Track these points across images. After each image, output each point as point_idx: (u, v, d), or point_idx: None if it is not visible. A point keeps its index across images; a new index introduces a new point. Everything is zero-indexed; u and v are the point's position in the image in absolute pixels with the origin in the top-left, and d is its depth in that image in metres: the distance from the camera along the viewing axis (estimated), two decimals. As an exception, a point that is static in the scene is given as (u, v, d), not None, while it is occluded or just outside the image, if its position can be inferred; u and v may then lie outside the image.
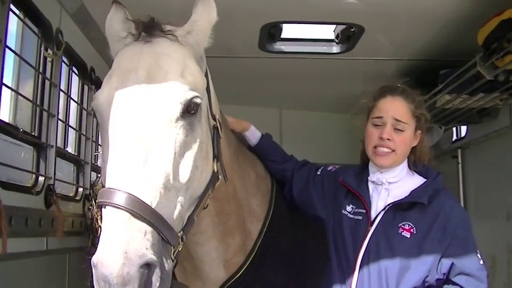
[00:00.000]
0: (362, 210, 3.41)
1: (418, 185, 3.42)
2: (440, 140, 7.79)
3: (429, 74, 6.14)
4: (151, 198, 2.31)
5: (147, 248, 2.20)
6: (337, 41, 6.00)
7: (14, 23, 4.40)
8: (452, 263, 3.19)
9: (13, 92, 4.48)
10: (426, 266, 3.19)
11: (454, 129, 8.06)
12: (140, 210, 2.24)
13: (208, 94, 2.95)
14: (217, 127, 3.01)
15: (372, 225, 3.33)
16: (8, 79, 4.40)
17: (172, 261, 2.45)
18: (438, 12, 5.04)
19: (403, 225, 3.28)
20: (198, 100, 2.61)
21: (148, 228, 2.25)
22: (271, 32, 5.65)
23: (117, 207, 2.23)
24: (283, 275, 3.77)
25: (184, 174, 2.54)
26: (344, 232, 3.42)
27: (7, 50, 4.06)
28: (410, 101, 3.46)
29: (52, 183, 4.74)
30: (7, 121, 4.39)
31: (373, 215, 3.37)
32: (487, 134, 6.83)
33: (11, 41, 4.31)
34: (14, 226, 3.93)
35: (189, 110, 2.58)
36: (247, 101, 7.80)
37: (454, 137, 8.16)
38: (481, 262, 3.26)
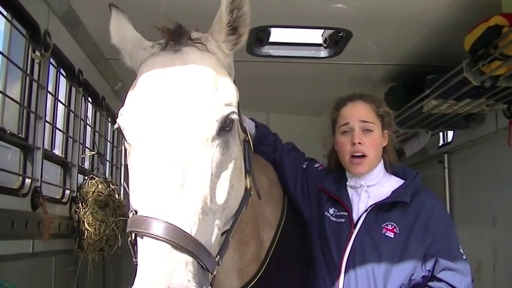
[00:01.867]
0: (344, 213, 3.45)
1: (398, 186, 3.46)
2: (426, 145, 7.85)
3: (416, 79, 6.17)
4: (191, 226, 2.17)
5: (189, 280, 2.08)
6: (325, 45, 6.03)
7: (1, 24, 4.38)
8: (436, 259, 3.24)
9: (0, 94, 4.45)
10: (411, 264, 3.23)
11: (441, 134, 8.12)
12: (181, 241, 2.10)
13: (239, 104, 2.75)
14: (248, 140, 2.90)
15: (355, 227, 3.37)
16: (-5, 81, 4.39)
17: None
18: (426, 18, 5.08)
19: (386, 225, 3.32)
20: (234, 116, 2.47)
21: (189, 259, 2.12)
22: (259, 36, 5.66)
23: (157, 238, 2.09)
24: (296, 283, 3.67)
25: (221, 196, 2.42)
26: (327, 234, 3.45)
27: (-6, 51, 4.05)
28: (370, 102, 3.55)
29: (39, 185, 4.71)
30: (-4, 124, 4.37)
31: (355, 217, 3.41)
32: (474, 140, 6.88)
33: (-2, 42, 4.30)
34: (0, 228, 3.91)
35: (225, 127, 2.43)
36: (235, 105, 7.74)
37: (441, 142, 8.21)
38: (464, 257, 3.31)
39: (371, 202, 3.40)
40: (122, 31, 2.87)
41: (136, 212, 2.31)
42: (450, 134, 7.88)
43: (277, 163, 3.93)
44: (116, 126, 2.55)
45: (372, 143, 3.43)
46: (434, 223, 3.31)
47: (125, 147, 2.57)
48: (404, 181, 3.50)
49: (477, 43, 4.77)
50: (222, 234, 2.58)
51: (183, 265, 2.10)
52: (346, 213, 3.43)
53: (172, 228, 2.11)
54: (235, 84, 2.80)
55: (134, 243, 2.26)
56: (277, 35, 5.87)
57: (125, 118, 2.46)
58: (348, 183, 3.56)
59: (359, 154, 3.40)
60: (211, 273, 2.32)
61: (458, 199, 7.50)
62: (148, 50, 2.69)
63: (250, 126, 3.79)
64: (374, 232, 3.31)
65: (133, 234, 2.24)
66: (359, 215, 3.40)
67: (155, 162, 2.26)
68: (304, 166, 3.86)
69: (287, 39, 6.08)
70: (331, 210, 3.51)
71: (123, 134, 2.50)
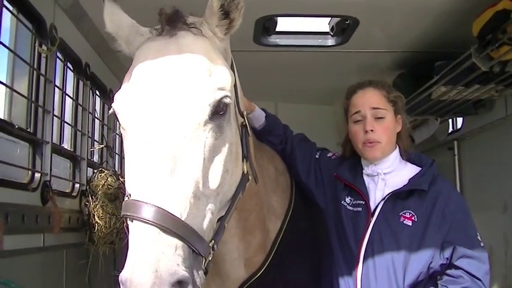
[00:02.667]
0: (361, 202, 3.42)
1: (414, 173, 3.42)
2: (436, 131, 7.81)
3: (424, 65, 6.14)
4: (181, 210, 2.18)
5: (178, 264, 2.09)
6: (332, 33, 6.00)
7: (7, 19, 4.37)
8: (454, 247, 3.21)
9: (8, 89, 4.46)
10: (429, 252, 3.21)
11: (450, 121, 8.09)
12: (170, 225, 2.11)
13: (235, 90, 2.80)
14: (246, 124, 2.88)
15: (372, 215, 3.33)
16: (2, 75, 4.40)
17: (204, 272, 2.33)
18: (433, 4, 5.04)
19: (404, 213, 3.29)
20: (227, 100, 2.47)
21: (179, 243, 2.13)
22: (266, 25, 5.64)
23: (146, 221, 2.11)
24: (304, 274, 3.67)
25: (214, 180, 2.41)
26: (344, 223, 3.42)
27: (1, 46, 4.05)
28: (381, 88, 3.51)
29: (48, 179, 4.73)
30: (2, 117, 4.37)
31: (372, 205, 3.37)
32: (483, 126, 6.84)
33: (5, 37, 4.29)
34: (11, 223, 3.92)
35: (218, 111, 2.44)
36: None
37: (450, 129, 8.18)
38: (482, 244, 3.28)
39: (388, 190, 3.37)
40: (116, 19, 2.88)
41: (130, 196, 2.32)
42: (459, 120, 7.84)
43: (287, 154, 3.91)
44: (110, 111, 2.58)
45: (384, 130, 3.40)
46: (452, 211, 3.27)
47: (120, 132, 2.58)
48: (420, 168, 3.46)
49: (485, 28, 4.74)
50: (219, 220, 2.58)
51: (172, 249, 2.11)
52: (363, 202, 3.40)
53: (161, 212, 2.12)
54: (234, 68, 2.86)
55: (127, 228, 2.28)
56: (284, 24, 5.85)
57: (119, 103, 2.50)
58: (364, 171, 3.52)
59: (372, 141, 3.38)
60: (205, 258, 2.32)
61: (468, 186, 7.48)
62: (145, 35, 2.71)
63: (259, 116, 3.78)
64: (392, 220, 3.29)
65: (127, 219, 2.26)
66: (376, 204, 3.36)
67: (147, 146, 2.28)
68: (317, 156, 3.83)
69: (294, 28, 6.06)
70: (347, 199, 3.48)
71: (117, 119, 2.53)
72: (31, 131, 4.66)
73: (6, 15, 4.28)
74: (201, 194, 2.32)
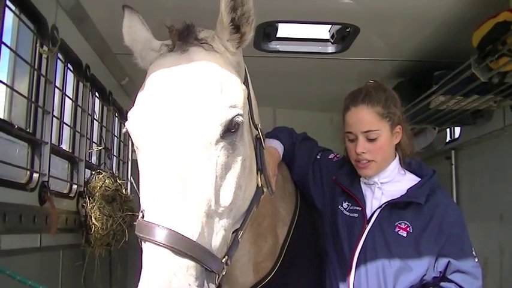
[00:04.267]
0: (357, 208, 3.40)
1: (413, 184, 3.39)
2: (433, 141, 7.82)
3: (423, 75, 6.16)
4: (193, 231, 2.18)
5: (190, 284, 2.11)
6: (332, 40, 6.02)
7: (9, 19, 4.39)
8: (449, 261, 3.21)
9: (8, 88, 4.47)
10: (424, 265, 3.20)
11: (448, 130, 8.09)
12: (181, 246, 2.12)
13: (249, 102, 2.76)
14: (260, 137, 2.85)
15: (368, 223, 3.32)
16: (3, 75, 4.40)
17: (217, 286, 2.35)
18: (433, 14, 5.07)
19: (400, 223, 3.27)
20: (239, 119, 2.43)
21: (191, 263, 2.14)
22: (266, 31, 5.66)
23: (158, 244, 2.12)
24: (310, 279, 3.66)
25: (227, 198, 2.40)
26: (339, 228, 3.41)
27: (2, 45, 4.06)
28: (375, 104, 3.33)
29: (46, 180, 4.73)
30: (2, 117, 4.38)
31: (368, 213, 3.35)
32: (481, 136, 6.86)
33: (7, 37, 4.29)
34: (8, 223, 3.93)
35: (230, 129, 2.40)
36: (242, 100, 7.75)
37: (448, 138, 8.19)
38: (476, 260, 3.28)
39: (385, 199, 3.35)
40: (132, 32, 2.86)
41: (144, 213, 2.33)
42: (457, 130, 7.85)
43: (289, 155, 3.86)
44: (124, 130, 2.56)
45: (377, 150, 3.31)
46: (449, 224, 3.26)
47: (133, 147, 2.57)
48: (420, 179, 3.43)
49: (485, 39, 4.75)
50: (234, 232, 2.58)
51: (183, 270, 2.12)
52: (359, 208, 3.38)
53: (173, 234, 2.13)
54: (248, 79, 2.82)
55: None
56: (284, 30, 5.86)
57: (131, 122, 2.47)
58: (361, 178, 3.49)
59: (364, 161, 3.33)
60: (218, 274, 2.32)
61: (465, 195, 7.48)
62: (158, 51, 2.67)
63: (277, 147, 3.72)
64: (387, 230, 3.27)
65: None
66: (372, 211, 3.35)
67: (158, 166, 2.28)
68: (318, 157, 3.79)
69: (294, 35, 6.07)
70: (344, 204, 3.47)
71: (130, 138, 2.51)
72: (30, 131, 4.67)
73: (8, 15, 4.30)
74: (214, 212, 2.32)
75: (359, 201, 3.41)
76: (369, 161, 3.33)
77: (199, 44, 2.58)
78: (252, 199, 2.71)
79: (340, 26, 5.66)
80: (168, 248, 2.11)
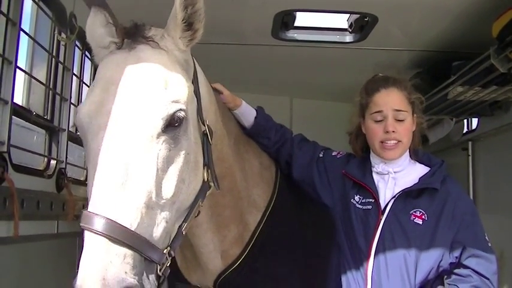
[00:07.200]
0: (371, 200, 3.44)
1: (424, 173, 3.47)
2: (450, 132, 7.77)
3: (442, 65, 6.10)
4: (131, 221, 2.28)
5: (126, 272, 2.20)
6: (350, 30, 5.98)
7: (28, 6, 4.41)
8: (463, 247, 3.26)
9: (27, 75, 4.50)
10: (440, 251, 3.26)
11: (465, 121, 8.03)
12: (118, 235, 2.22)
13: (197, 98, 2.88)
14: (207, 133, 2.92)
15: (383, 214, 3.36)
16: (22, 62, 4.43)
17: (160, 276, 2.44)
18: (452, 4, 5.02)
19: (415, 212, 3.33)
20: (181, 114, 2.55)
21: (128, 252, 2.23)
22: (284, 20, 5.63)
23: (95, 232, 2.21)
24: (286, 266, 3.75)
25: (168, 190, 2.50)
26: (353, 222, 3.45)
27: (21, 33, 4.08)
28: (403, 89, 3.52)
29: (64, 167, 4.78)
30: (20, 104, 4.41)
31: (382, 204, 3.40)
32: (498, 127, 6.80)
33: (26, 24, 4.33)
34: (26, 209, 3.97)
35: (172, 124, 2.52)
36: (258, 89, 7.74)
37: (465, 129, 8.12)
38: (490, 245, 3.34)
39: (398, 189, 3.40)
40: (92, 29, 2.94)
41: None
42: (475, 121, 7.79)
43: (283, 156, 3.97)
44: (72, 124, 2.66)
45: (404, 131, 3.43)
46: (461, 211, 3.32)
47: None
48: (429, 168, 3.49)
49: (505, 30, 4.70)
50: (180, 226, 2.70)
51: (120, 258, 2.20)
52: (373, 200, 3.43)
53: (110, 223, 2.21)
54: (196, 78, 2.94)
55: None
56: (302, 19, 5.83)
57: (78, 116, 2.57)
58: (374, 169, 3.54)
59: (393, 142, 3.40)
60: (159, 264, 2.42)
61: (481, 187, 7.43)
62: (107, 48, 2.76)
63: (247, 115, 3.86)
64: (403, 218, 3.33)
65: None
66: (386, 202, 3.39)
67: (100, 160, 2.36)
68: (320, 155, 3.87)
69: (312, 24, 6.04)
70: (356, 198, 3.51)
71: (77, 131, 2.60)
72: (48, 118, 4.71)
73: (28, 3, 4.32)
74: (155, 203, 2.41)
75: (372, 192, 3.45)
76: (397, 142, 3.40)
77: (146, 42, 2.68)
78: (198, 193, 2.78)
79: (358, 16, 5.62)
80: (104, 236, 2.20)
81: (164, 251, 2.47)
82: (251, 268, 3.63)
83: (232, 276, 3.60)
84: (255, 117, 3.87)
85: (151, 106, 2.46)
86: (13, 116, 4.09)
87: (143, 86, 2.50)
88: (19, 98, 4.52)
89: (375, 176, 3.53)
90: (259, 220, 3.73)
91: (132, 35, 2.70)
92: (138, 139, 2.40)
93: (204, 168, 2.86)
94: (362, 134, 3.64)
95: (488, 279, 3.26)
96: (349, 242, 3.48)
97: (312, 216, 4.03)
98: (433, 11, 5.20)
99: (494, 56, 4.92)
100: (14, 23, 3.98)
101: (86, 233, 2.24)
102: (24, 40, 4.35)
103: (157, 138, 2.46)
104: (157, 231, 2.41)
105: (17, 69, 4.06)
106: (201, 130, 2.88)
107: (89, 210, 2.29)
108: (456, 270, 3.30)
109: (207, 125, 2.93)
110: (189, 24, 2.77)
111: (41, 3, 4.53)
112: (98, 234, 2.20)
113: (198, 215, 2.91)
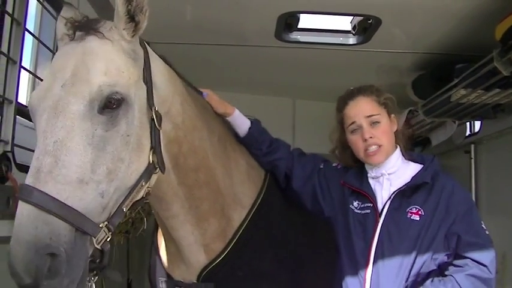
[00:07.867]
0: (369, 204, 3.53)
1: (417, 170, 3.56)
2: (453, 134, 7.78)
3: (445, 68, 6.11)
4: (61, 193, 2.44)
5: (51, 238, 2.36)
6: (353, 32, 5.98)
7: (33, 6, 4.43)
8: (459, 237, 3.34)
9: (31, 75, 4.51)
10: (435, 244, 3.33)
11: (468, 124, 8.03)
12: (46, 204, 2.38)
13: (148, 85, 3.00)
14: (154, 119, 3.01)
15: (380, 216, 3.44)
16: (26, 62, 4.45)
17: (100, 249, 2.65)
18: (456, 6, 5.02)
19: (411, 209, 3.42)
20: (117, 96, 2.70)
21: (55, 219, 2.39)
22: (288, 22, 5.64)
23: (24, 200, 2.39)
24: (272, 264, 3.83)
25: (104, 167, 2.63)
26: (351, 226, 3.54)
27: (26, 33, 4.09)
28: (370, 94, 3.65)
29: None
30: (25, 104, 4.43)
31: (379, 206, 3.49)
32: (501, 130, 6.81)
33: (30, 24, 4.34)
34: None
35: (110, 106, 2.68)
36: (261, 90, 7.81)
37: (468, 132, 8.13)
38: (487, 232, 3.42)
39: (394, 189, 3.48)
40: (58, 26, 3.10)
41: None
42: (477, 124, 7.79)
43: (281, 169, 4.05)
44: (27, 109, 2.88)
45: (382, 133, 3.52)
46: (456, 203, 3.40)
47: None
48: (423, 165, 3.58)
49: (508, 33, 4.71)
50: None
51: (47, 225, 2.38)
52: (371, 204, 3.52)
53: (39, 193, 2.40)
54: (148, 66, 3.05)
55: None
56: (306, 21, 5.84)
57: (29, 101, 2.78)
58: (369, 175, 3.64)
59: (374, 147, 3.47)
60: (94, 236, 2.58)
61: (484, 190, 7.43)
62: (62, 40, 2.97)
63: (241, 125, 3.99)
64: (400, 218, 3.40)
65: None
66: (383, 204, 3.47)
67: (39, 138, 2.58)
68: (321, 166, 3.98)
69: (316, 26, 6.05)
70: (355, 203, 3.61)
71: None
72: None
73: (32, 3, 4.33)
74: (89, 179, 2.56)
75: (369, 196, 3.53)
76: (378, 147, 3.48)
77: (95, 33, 2.84)
78: (141, 174, 2.89)
79: (362, 18, 5.63)
80: (33, 205, 2.38)
81: (100, 225, 2.61)
82: (235, 263, 3.71)
83: (215, 270, 3.68)
84: (249, 128, 3.99)
85: (88, 89, 2.64)
86: (17, 116, 4.11)
87: (84, 71, 2.68)
88: (23, 98, 4.53)
89: (371, 181, 3.63)
90: (244, 217, 3.82)
91: (83, 28, 2.89)
92: (74, 118, 2.58)
93: (150, 151, 2.96)
94: (349, 147, 3.73)
95: (485, 266, 3.30)
96: (346, 247, 3.56)
97: (302, 217, 4.14)
98: (436, 14, 5.21)
99: (497, 59, 4.93)
100: (18, 23, 4.00)
101: (19, 203, 2.42)
102: (28, 40, 4.37)
103: (93, 118, 2.63)
104: (91, 204, 2.56)
105: (22, 69, 4.09)
106: (149, 115, 2.99)
107: (25, 183, 2.46)
108: (454, 261, 3.36)
109: (156, 111, 3.03)
110: (131, 17, 2.91)
111: (45, 3, 4.54)
112: (28, 203, 2.37)
113: (145, 195, 3.03)
